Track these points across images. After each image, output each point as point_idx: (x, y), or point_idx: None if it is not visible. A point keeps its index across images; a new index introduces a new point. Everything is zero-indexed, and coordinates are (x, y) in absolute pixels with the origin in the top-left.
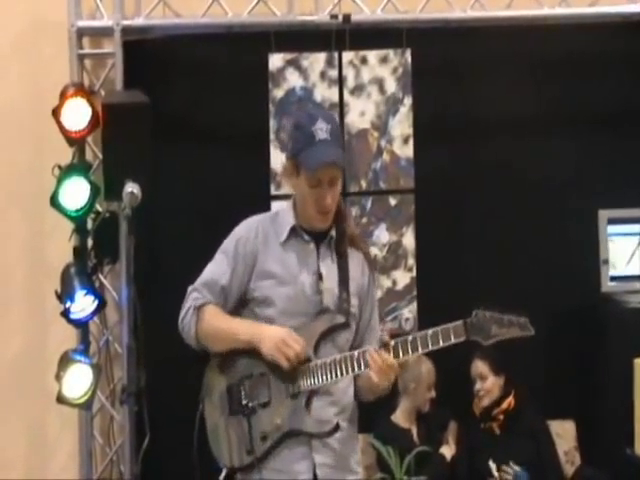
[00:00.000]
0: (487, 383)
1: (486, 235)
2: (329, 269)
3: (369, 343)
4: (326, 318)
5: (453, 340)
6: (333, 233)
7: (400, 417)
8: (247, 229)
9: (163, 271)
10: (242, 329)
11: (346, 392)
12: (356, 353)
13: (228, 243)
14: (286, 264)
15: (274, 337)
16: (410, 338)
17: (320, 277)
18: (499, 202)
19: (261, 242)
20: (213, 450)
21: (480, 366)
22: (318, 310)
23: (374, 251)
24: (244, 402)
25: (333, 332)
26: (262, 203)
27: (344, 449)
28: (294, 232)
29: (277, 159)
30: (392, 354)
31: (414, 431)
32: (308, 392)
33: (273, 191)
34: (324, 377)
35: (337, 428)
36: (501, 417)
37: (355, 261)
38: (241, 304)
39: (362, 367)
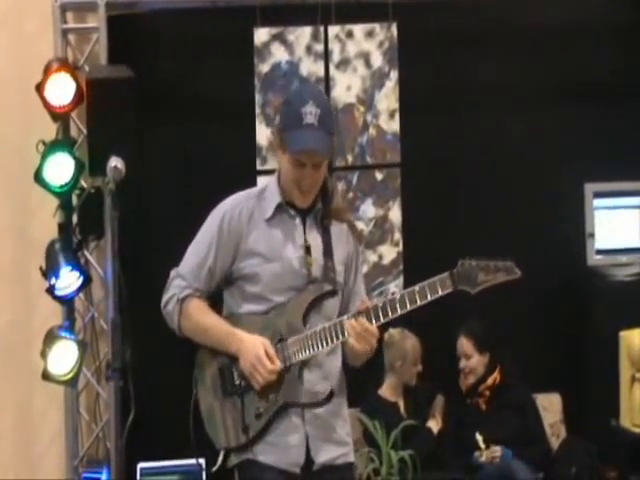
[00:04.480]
0: (471, 361)
1: (472, 209)
2: (315, 240)
3: (354, 308)
4: (314, 288)
5: (440, 292)
6: (320, 206)
7: (387, 391)
8: (231, 206)
9: (148, 245)
10: (222, 335)
11: (334, 362)
12: (335, 322)
13: (212, 221)
14: (272, 241)
15: (251, 352)
16: (398, 296)
17: (308, 250)
18: (485, 176)
19: (246, 220)
20: (209, 433)
21: (465, 344)
22: (306, 282)
23: (360, 226)
24: (237, 382)
25: (321, 301)
26: (248, 178)
27: (335, 420)
28: (280, 209)
29: (263, 134)
30: (374, 318)
31: (401, 405)
32: (299, 364)
33: (259, 166)
34: (313, 347)
35: (332, 395)
36: (487, 393)
37: (339, 231)
38: (228, 281)
39: (342, 336)
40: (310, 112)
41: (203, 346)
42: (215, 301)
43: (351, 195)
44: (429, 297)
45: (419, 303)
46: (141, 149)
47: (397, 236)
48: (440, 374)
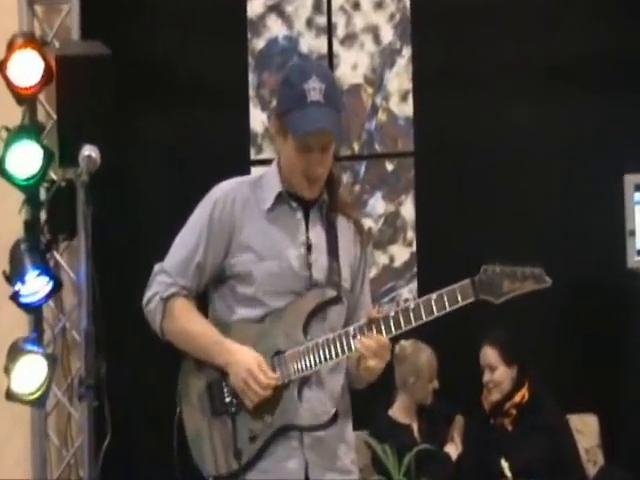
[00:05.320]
0: (497, 374)
1: (496, 204)
2: (318, 238)
3: (357, 320)
4: (316, 293)
5: (461, 302)
6: (325, 197)
7: (398, 411)
8: (224, 193)
9: (128, 245)
10: (209, 344)
11: (338, 378)
12: (340, 333)
13: (202, 211)
14: (270, 236)
15: (242, 365)
16: (412, 306)
17: (309, 248)
18: (511, 166)
19: (240, 209)
20: (195, 458)
21: (489, 354)
22: (307, 286)
23: (368, 223)
24: (227, 400)
25: (324, 309)
26: (241, 169)
27: (338, 446)
28: (280, 199)
29: (257, 119)
30: (384, 329)
31: (415, 427)
32: (299, 381)
33: (253, 155)
34: (315, 362)
35: (336, 416)
36: (514, 411)
37: (345, 229)
38: (219, 280)
39: (348, 350)
40: (314, 88)
41: (188, 357)
42: (202, 304)
43: (358, 188)
44: (448, 307)
45: (436, 314)
46: (118, 136)
47: (410, 235)
48: (459, 391)
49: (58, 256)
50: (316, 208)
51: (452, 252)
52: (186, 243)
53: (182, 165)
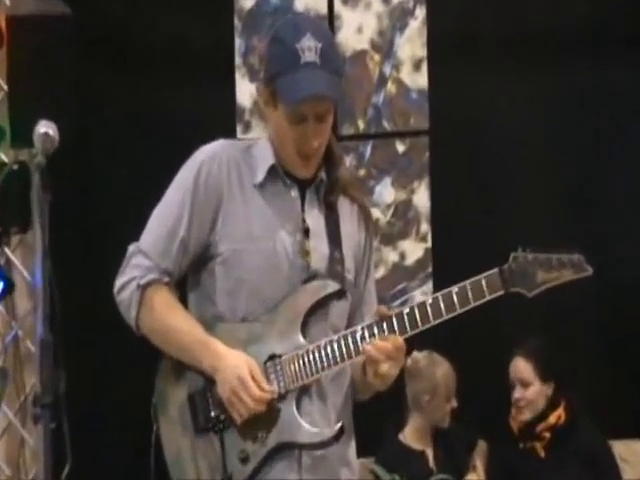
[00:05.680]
0: (530, 391)
1: (527, 190)
2: (317, 222)
3: (361, 320)
4: (316, 286)
5: (488, 296)
6: (323, 176)
7: (410, 436)
8: (211, 155)
9: (94, 238)
10: (193, 344)
11: (341, 389)
12: (346, 334)
13: (185, 175)
14: (261, 214)
15: (231, 372)
16: (430, 301)
17: (306, 233)
18: (541, 146)
19: (230, 173)
20: None
21: (522, 368)
22: (304, 277)
23: (376, 214)
24: (213, 414)
25: (326, 304)
26: None
27: (340, 468)
28: (273, 173)
29: (245, 92)
30: (397, 329)
31: (429, 454)
32: (297, 390)
33: (240, 134)
34: (316, 368)
35: (341, 432)
36: (547, 435)
37: (348, 213)
38: (200, 262)
39: (355, 354)
40: (308, 47)
41: (167, 361)
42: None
43: (363, 173)
44: (472, 302)
45: (458, 311)
46: (81, 111)
47: (424, 227)
48: (482, 411)
49: (9, 253)
50: (313, 189)
51: (474, 248)
52: (167, 215)
53: (156, 146)
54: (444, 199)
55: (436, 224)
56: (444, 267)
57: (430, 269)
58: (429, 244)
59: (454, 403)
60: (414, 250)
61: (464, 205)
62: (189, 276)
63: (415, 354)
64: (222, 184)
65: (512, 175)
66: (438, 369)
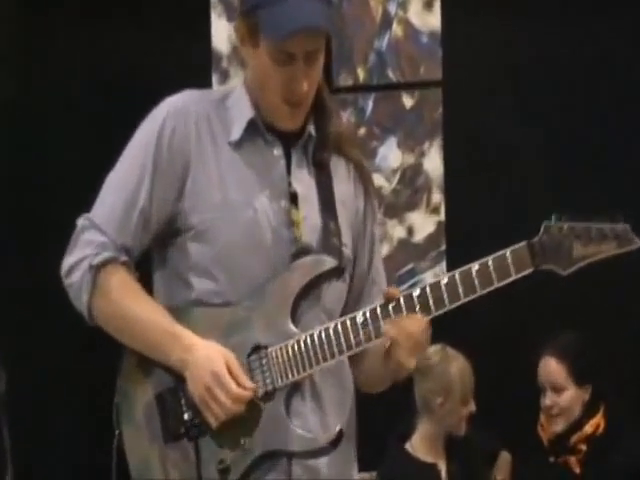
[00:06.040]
0: (563, 397)
1: (560, 151)
2: (306, 186)
3: (370, 303)
4: (308, 263)
5: (514, 275)
6: (312, 130)
7: (419, 446)
8: (177, 107)
9: (40, 213)
10: (159, 334)
11: (339, 386)
12: (344, 320)
13: (146, 132)
14: (238, 177)
15: (204, 367)
16: (445, 280)
17: (294, 200)
18: (576, 99)
19: (200, 130)
20: None
21: (554, 369)
22: (292, 253)
23: (378, 181)
24: (186, 417)
25: (319, 285)
26: None
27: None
28: (253, 128)
29: (221, 34)
30: (419, 308)
31: (442, 467)
32: (286, 389)
33: (216, 83)
34: (310, 360)
35: (340, 437)
36: (583, 447)
37: (343, 175)
38: (167, 236)
39: (355, 344)
40: None
41: (130, 356)
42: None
43: (364, 132)
44: (495, 282)
45: (479, 292)
46: (29, 61)
47: (437, 198)
48: (505, 417)
49: None
50: (299, 146)
51: (496, 221)
52: (124, 181)
53: (117, 100)
54: (460, 163)
55: (450, 193)
56: (460, 244)
57: (443, 247)
58: (442, 217)
59: (472, 407)
60: (424, 224)
61: (484, 170)
62: (154, 254)
63: None
64: (190, 142)
65: (540, 133)
66: (452, 366)
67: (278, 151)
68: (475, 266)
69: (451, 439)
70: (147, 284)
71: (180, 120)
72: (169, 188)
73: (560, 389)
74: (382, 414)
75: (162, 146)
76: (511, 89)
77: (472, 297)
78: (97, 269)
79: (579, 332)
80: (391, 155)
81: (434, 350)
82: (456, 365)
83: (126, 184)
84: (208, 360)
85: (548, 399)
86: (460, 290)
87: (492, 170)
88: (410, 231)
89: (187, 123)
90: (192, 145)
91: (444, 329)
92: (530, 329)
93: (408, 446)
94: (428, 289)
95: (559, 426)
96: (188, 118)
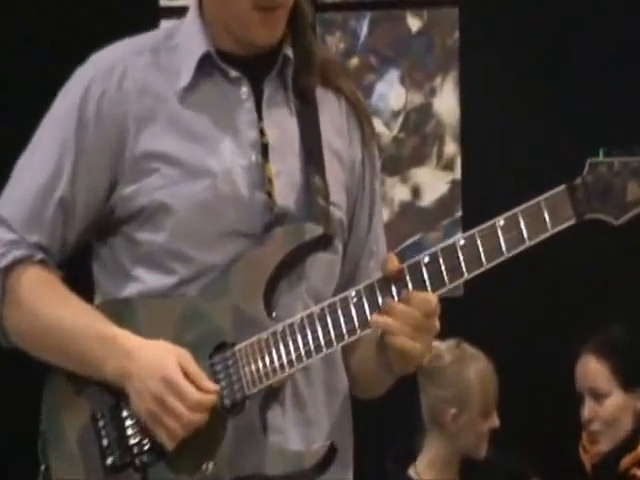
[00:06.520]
0: (607, 406)
1: (601, 87)
2: (282, 131)
3: (369, 277)
4: (285, 233)
5: (551, 228)
6: (289, 53)
7: (426, 469)
8: (106, 68)
9: None
10: (88, 341)
11: (331, 389)
12: (334, 301)
13: (65, 104)
14: (191, 136)
15: (152, 376)
16: (461, 241)
17: (265, 152)
18: (610, 25)
19: (135, 94)
20: None
21: (593, 369)
22: (267, 220)
23: (376, 127)
24: (132, 441)
25: (301, 260)
26: (144, 24)
27: None
28: (207, 65)
29: None
30: (411, 283)
31: None
32: (262, 396)
33: (164, 1)
34: (290, 358)
35: (330, 456)
36: (638, 472)
37: (333, 113)
38: (104, 230)
39: (349, 332)
40: None
41: (57, 373)
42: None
43: (356, 62)
44: (527, 241)
45: (506, 255)
46: None
47: (451, 148)
48: (536, 435)
49: None
50: (273, 76)
51: (525, 179)
52: (38, 165)
53: (51, 25)
54: (481, 104)
55: (468, 143)
56: (480, 210)
57: (459, 213)
58: (457, 174)
59: (494, 421)
60: (435, 183)
61: (512, 112)
62: (95, 248)
63: (436, 345)
64: (126, 107)
65: (576, 66)
66: (470, 368)
67: (244, 89)
68: (500, 221)
69: (467, 462)
70: (88, 290)
71: (111, 83)
72: (99, 171)
73: (602, 395)
74: (379, 430)
75: (87, 118)
76: (547, 5)
77: (496, 262)
78: (5, 272)
79: (626, 325)
80: (392, 93)
81: (447, 347)
82: (474, 367)
83: (41, 169)
84: (155, 364)
85: (588, 409)
86: (481, 253)
87: (520, 113)
88: (416, 192)
89: (121, 85)
90: (129, 110)
91: (459, 320)
92: (566, 321)
93: (412, 471)
94: (440, 254)
95: (604, 445)
96: (121, 79)
